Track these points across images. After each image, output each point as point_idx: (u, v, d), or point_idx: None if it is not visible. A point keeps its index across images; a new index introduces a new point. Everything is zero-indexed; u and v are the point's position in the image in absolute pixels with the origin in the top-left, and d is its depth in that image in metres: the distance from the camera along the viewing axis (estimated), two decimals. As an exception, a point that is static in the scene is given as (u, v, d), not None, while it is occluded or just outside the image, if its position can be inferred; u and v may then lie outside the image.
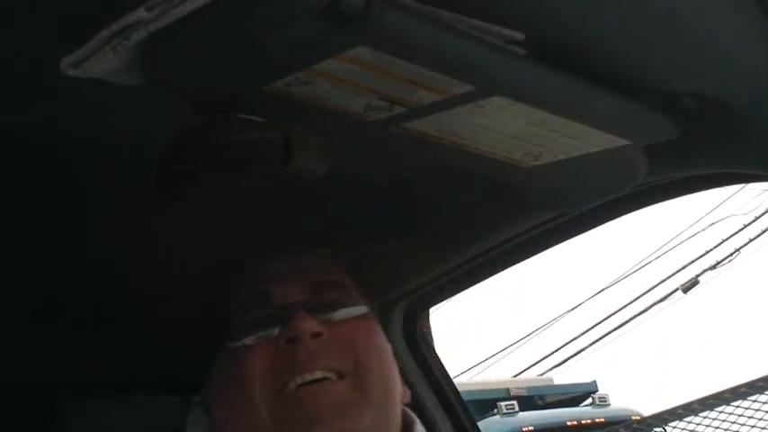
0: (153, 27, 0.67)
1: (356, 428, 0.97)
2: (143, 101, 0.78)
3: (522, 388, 10.59)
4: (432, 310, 1.67)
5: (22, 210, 0.99)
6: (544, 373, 12.71)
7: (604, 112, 0.88)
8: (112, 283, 1.17)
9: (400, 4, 0.69)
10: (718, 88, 0.92)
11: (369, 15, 0.66)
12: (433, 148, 0.90)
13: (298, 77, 0.73)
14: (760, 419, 6.64)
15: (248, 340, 1.00)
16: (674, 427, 7.00)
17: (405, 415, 1.08)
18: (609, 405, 9.62)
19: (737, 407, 6.68)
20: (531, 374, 12.72)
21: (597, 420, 9.19)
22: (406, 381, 1.57)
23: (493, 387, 10.26)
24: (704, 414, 6.86)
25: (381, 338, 1.07)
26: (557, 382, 11.74)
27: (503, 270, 1.42)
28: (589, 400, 10.09)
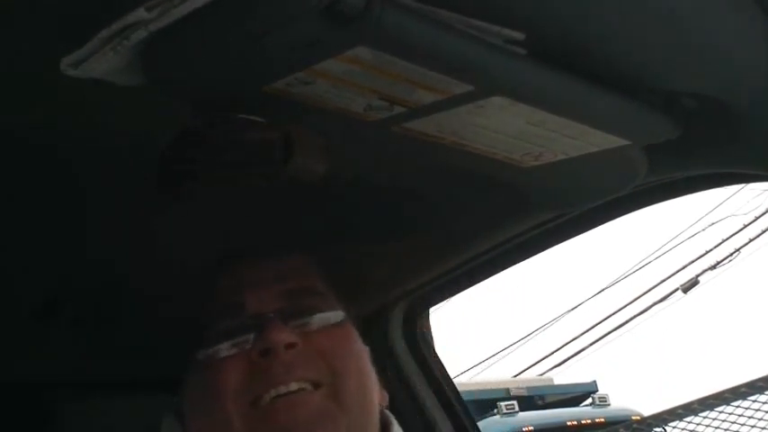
0: (153, 27, 0.67)
1: None
2: (143, 101, 0.78)
3: (522, 388, 10.59)
4: (432, 310, 1.67)
5: (22, 210, 0.99)
6: (544, 373, 12.72)
7: (604, 112, 0.88)
8: (112, 283, 1.17)
9: (400, 4, 0.69)
10: (718, 88, 0.92)
11: (369, 15, 0.66)
12: (433, 148, 0.90)
13: (298, 77, 0.73)
14: (760, 419, 6.64)
15: (222, 351, 0.99)
16: (674, 427, 7.00)
17: (382, 416, 1.07)
18: (609, 405, 9.62)
19: (737, 407, 6.68)
20: (531, 374, 12.73)
21: (597, 420, 9.19)
22: (404, 381, 1.57)
23: (493, 387, 10.27)
24: (704, 414, 6.86)
25: (358, 345, 1.05)
26: (557, 382, 11.74)
27: (503, 270, 1.42)
28: (589, 400, 10.10)
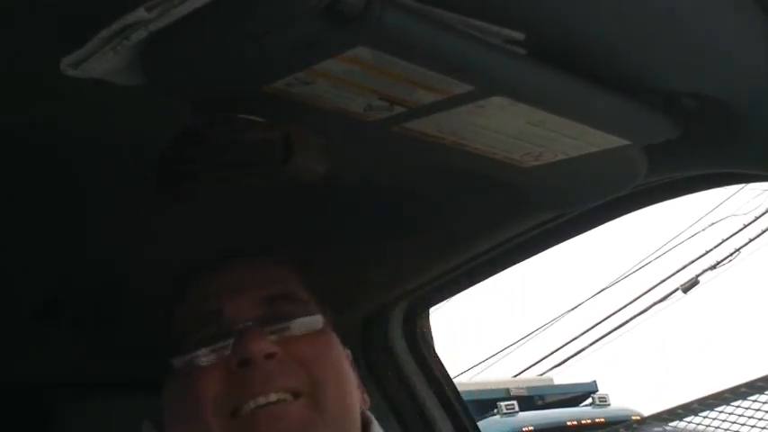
0: (153, 27, 0.67)
1: None
2: (143, 101, 0.78)
3: (522, 388, 10.60)
4: (432, 310, 1.67)
5: (22, 210, 0.99)
6: (544, 373, 12.72)
7: (604, 112, 0.88)
8: (112, 283, 1.17)
9: (400, 4, 0.69)
10: (718, 88, 0.92)
11: (369, 15, 0.66)
12: (433, 148, 0.90)
13: (298, 77, 0.73)
14: (760, 419, 6.64)
15: (200, 359, 0.98)
16: (674, 427, 7.00)
17: (363, 417, 1.06)
18: (609, 405, 9.62)
19: (737, 407, 6.69)
20: (531, 374, 12.73)
21: (597, 420, 9.19)
22: (404, 381, 1.57)
23: (493, 387, 10.27)
24: (704, 414, 6.87)
25: (337, 351, 1.04)
26: (557, 382, 11.74)
27: (503, 270, 1.42)
28: (589, 400, 10.10)
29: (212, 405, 0.96)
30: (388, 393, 1.56)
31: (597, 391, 10.43)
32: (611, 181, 1.08)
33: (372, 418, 1.09)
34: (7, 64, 0.74)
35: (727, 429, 6.71)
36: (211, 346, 0.98)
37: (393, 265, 1.34)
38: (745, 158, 1.04)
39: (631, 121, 0.91)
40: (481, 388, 9.89)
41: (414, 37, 0.70)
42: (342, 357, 1.05)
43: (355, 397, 1.04)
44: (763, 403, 6.60)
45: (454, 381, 1.67)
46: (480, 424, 1.81)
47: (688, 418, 6.87)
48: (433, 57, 0.73)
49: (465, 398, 1.69)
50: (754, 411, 6.61)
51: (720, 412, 6.73)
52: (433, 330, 1.71)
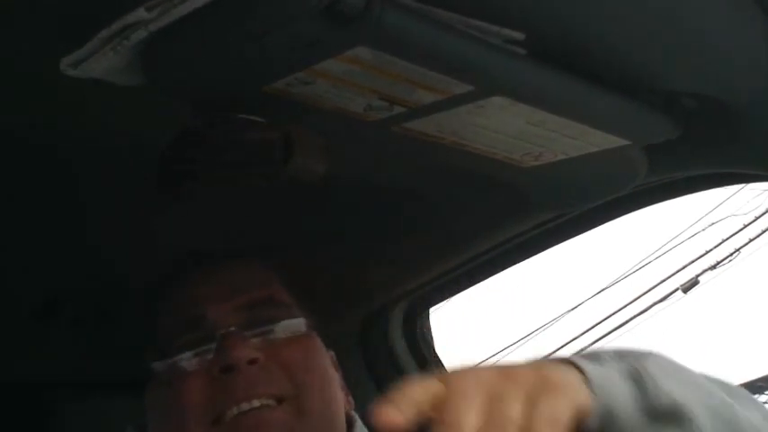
0: (153, 27, 0.67)
1: None
2: (143, 101, 0.78)
3: (522, 388, 10.55)
4: (432, 310, 1.67)
5: (22, 210, 0.99)
6: (544, 373, 12.67)
7: (604, 112, 0.88)
8: (112, 283, 1.17)
9: (400, 4, 0.69)
10: (718, 88, 0.92)
11: (369, 15, 0.66)
12: (433, 148, 0.90)
13: (298, 77, 0.73)
14: (760, 419, 6.63)
15: (183, 365, 0.98)
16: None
17: (348, 418, 1.06)
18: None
19: (737, 407, 6.68)
20: (531, 374, 12.68)
21: (597, 420, 9.16)
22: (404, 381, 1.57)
23: (493, 387, 10.23)
24: (704, 414, 6.86)
25: (321, 354, 1.03)
26: (557, 382, 11.70)
27: (503, 270, 1.41)
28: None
29: (195, 412, 0.95)
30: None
31: (597, 391, 10.39)
32: (611, 181, 1.08)
33: (356, 418, 1.08)
34: (7, 64, 0.74)
35: (727, 429, 6.71)
36: (194, 350, 0.97)
37: (393, 265, 1.34)
38: (745, 158, 1.04)
39: (631, 121, 0.91)
40: (481, 388, 9.85)
41: (414, 37, 0.70)
42: (325, 360, 1.04)
43: (339, 399, 1.04)
44: (763, 403, 6.60)
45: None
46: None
47: (688, 418, 6.86)
48: (433, 57, 0.73)
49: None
50: (754, 411, 6.61)
51: (720, 412, 6.72)
52: (432, 330, 1.72)
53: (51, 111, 0.82)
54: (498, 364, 0.66)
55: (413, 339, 1.58)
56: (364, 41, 0.68)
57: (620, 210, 1.23)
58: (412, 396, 0.62)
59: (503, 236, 1.29)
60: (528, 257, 1.37)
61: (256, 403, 0.94)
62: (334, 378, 1.05)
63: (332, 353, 1.08)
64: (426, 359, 1.60)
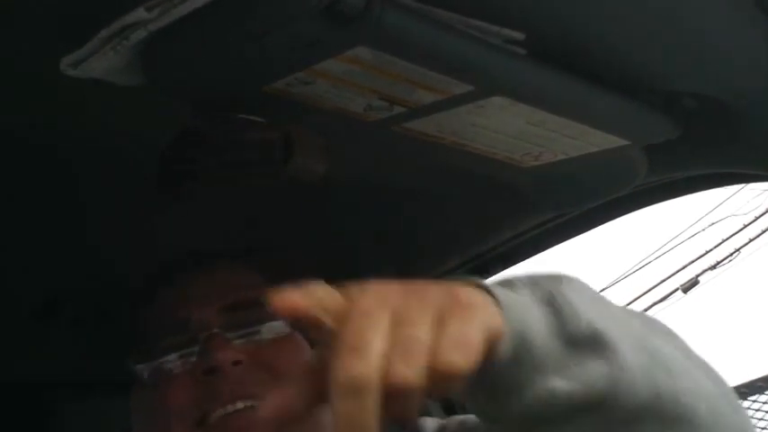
0: (153, 27, 0.67)
1: None
2: (143, 101, 0.78)
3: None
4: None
5: (22, 210, 0.99)
6: (544, 373, 12.67)
7: (604, 112, 0.88)
8: (112, 283, 1.17)
9: (400, 4, 0.69)
10: (718, 88, 0.92)
11: (369, 15, 0.66)
12: (433, 148, 0.90)
13: (298, 77, 0.73)
14: (760, 419, 6.64)
15: (167, 367, 0.97)
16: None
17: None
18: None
19: (737, 407, 6.68)
20: (531, 374, 12.69)
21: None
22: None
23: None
24: (704, 414, 6.85)
25: (306, 354, 1.02)
26: (557, 382, 11.70)
27: (503, 270, 1.41)
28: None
29: (179, 414, 0.95)
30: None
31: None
32: (611, 181, 1.08)
33: None
34: (7, 64, 0.74)
35: (727, 429, 6.71)
36: (179, 352, 0.97)
37: (393, 264, 1.34)
38: (745, 158, 1.04)
39: (631, 121, 0.91)
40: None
41: (414, 37, 0.70)
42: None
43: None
44: (763, 403, 6.60)
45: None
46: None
47: (688, 418, 6.86)
48: (433, 57, 0.73)
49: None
50: (754, 411, 6.61)
51: (720, 412, 6.72)
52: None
53: (51, 111, 0.82)
54: (404, 282, 0.61)
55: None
56: (364, 41, 0.68)
57: (620, 210, 1.23)
58: (317, 295, 0.57)
59: (503, 236, 1.29)
60: (528, 257, 1.37)
61: (240, 405, 0.93)
62: None
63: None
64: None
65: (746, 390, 6.63)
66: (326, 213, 1.13)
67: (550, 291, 0.68)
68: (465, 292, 0.61)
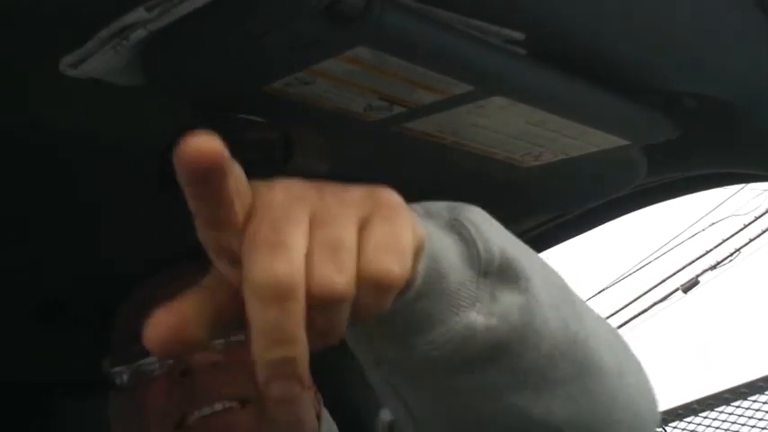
0: (153, 27, 0.67)
1: None
2: (143, 101, 0.78)
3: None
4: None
5: (22, 210, 0.99)
6: (544, 373, 12.67)
7: (604, 113, 0.88)
8: (113, 283, 1.17)
9: (400, 4, 0.69)
10: (718, 88, 0.92)
11: (369, 15, 0.66)
12: (433, 148, 0.90)
13: (298, 77, 0.73)
14: (760, 419, 6.63)
15: (145, 370, 0.97)
16: (674, 428, 7.00)
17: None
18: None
19: (737, 407, 6.68)
20: (531, 374, 12.68)
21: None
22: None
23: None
24: (704, 414, 6.86)
25: None
26: (557, 382, 11.70)
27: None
28: (589, 400, 10.06)
29: (157, 417, 0.94)
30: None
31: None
32: (611, 181, 1.08)
33: (324, 411, 1.06)
34: (7, 64, 0.74)
35: (727, 429, 6.70)
36: (154, 359, 0.96)
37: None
38: (745, 158, 1.04)
39: (631, 120, 0.91)
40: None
41: (414, 37, 0.70)
42: None
43: (306, 398, 1.01)
44: (763, 403, 6.59)
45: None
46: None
47: (688, 419, 6.86)
48: (432, 57, 0.73)
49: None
50: (754, 411, 6.60)
51: (720, 412, 6.72)
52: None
53: (51, 111, 0.82)
54: (317, 182, 0.52)
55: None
56: (364, 41, 0.68)
57: (620, 210, 1.23)
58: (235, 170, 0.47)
59: (503, 236, 1.29)
60: (528, 257, 1.37)
61: (218, 406, 0.92)
62: None
63: None
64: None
65: (746, 390, 6.62)
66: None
67: (456, 218, 0.62)
68: (386, 193, 0.54)
